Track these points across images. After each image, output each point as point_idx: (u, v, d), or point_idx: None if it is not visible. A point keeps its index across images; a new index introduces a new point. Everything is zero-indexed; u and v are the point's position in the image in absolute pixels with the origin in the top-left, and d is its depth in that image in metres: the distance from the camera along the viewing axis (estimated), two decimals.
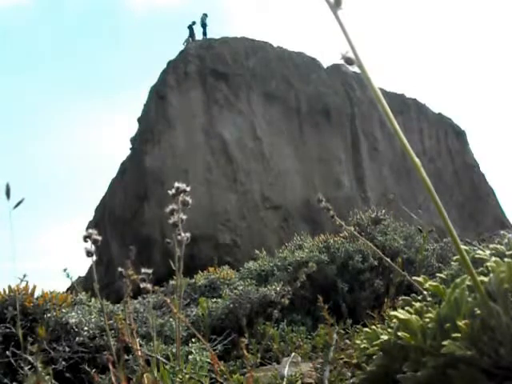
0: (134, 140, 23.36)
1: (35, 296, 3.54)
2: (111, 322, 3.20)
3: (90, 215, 24.50)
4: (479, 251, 1.64)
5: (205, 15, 24.94)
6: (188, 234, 1.78)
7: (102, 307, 3.13)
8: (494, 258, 1.36)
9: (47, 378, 1.77)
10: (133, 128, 24.05)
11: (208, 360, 2.30)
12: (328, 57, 32.55)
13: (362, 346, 1.70)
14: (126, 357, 2.24)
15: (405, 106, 27.40)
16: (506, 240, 1.72)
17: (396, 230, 5.17)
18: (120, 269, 1.74)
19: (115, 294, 11.67)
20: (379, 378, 1.53)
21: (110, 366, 1.65)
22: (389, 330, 1.56)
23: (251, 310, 3.88)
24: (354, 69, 1.02)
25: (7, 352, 2.65)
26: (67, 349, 3.14)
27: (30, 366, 1.95)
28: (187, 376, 1.93)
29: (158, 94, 22.54)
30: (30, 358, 1.88)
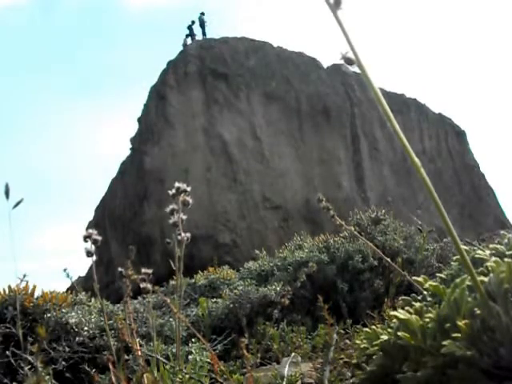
0: (133, 140, 23.37)
1: (35, 296, 3.53)
2: (111, 321, 3.20)
3: (90, 215, 24.55)
4: (479, 251, 1.64)
5: (202, 14, 24.89)
6: (188, 234, 1.78)
7: (102, 307, 3.13)
8: (493, 258, 1.36)
9: (47, 378, 1.77)
10: (133, 128, 24.08)
11: (208, 360, 2.29)
12: (328, 57, 32.54)
13: (362, 346, 1.70)
14: (126, 357, 2.24)
15: (405, 106, 27.40)
16: (505, 240, 1.72)
17: (396, 230, 5.17)
18: (120, 269, 1.74)
19: (115, 294, 11.68)
20: (379, 378, 1.53)
21: (110, 366, 1.65)
22: (389, 329, 1.56)
23: (251, 309, 3.87)
24: (354, 69, 1.02)
25: (7, 352, 2.65)
26: (67, 349, 3.14)
27: (30, 366, 1.95)
28: (187, 376, 1.93)
29: (158, 94, 22.55)
30: (30, 357, 1.88)
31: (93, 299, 4.04)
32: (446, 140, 29.66)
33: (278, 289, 3.99)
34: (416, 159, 1.06)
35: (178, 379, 1.90)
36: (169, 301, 1.76)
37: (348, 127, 24.68)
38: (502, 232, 1.96)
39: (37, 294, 3.56)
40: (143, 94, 30.91)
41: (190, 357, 2.38)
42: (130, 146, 23.65)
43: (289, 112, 23.16)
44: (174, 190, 1.74)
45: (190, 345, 2.73)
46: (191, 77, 22.30)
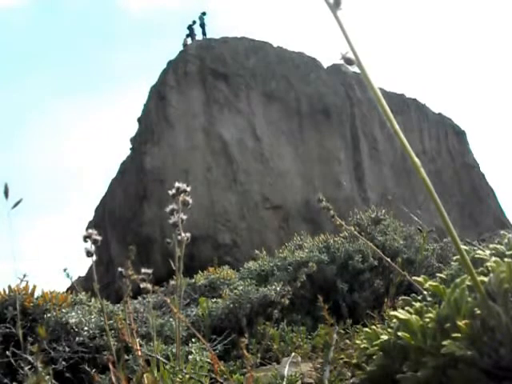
0: (134, 140, 23.36)
1: (35, 296, 3.53)
2: (111, 321, 3.20)
3: (90, 215, 24.54)
4: (479, 251, 1.64)
5: (203, 14, 24.84)
6: (188, 234, 1.78)
7: (102, 307, 3.13)
8: (493, 258, 1.36)
9: (47, 377, 1.77)
10: (133, 128, 24.07)
11: (208, 360, 2.29)
12: (328, 57, 32.50)
13: (362, 346, 1.70)
14: (126, 357, 2.24)
15: (405, 105, 27.40)
16: (505, 240, 1.72)
17: (396, 230, 5.16)
18: (120, 269, 1.74)
19: (115, 294, 11.68)
20: (379, 378, 1.53)
21: (110, 366, 1.65)
22: (389, 329, 1.56)
23: (251, 310, 3.87)
24: (354, 69, 1.02)
25: (7, 352, 2.64)
26: (67, 349, 3.14)
27: (30, 366, 1.95)
28: (187, 376, 1.93)
29: (158, 94, 22.54)
30: (30, 357, 1.88)
31: (93, 299, 4.04)
32: (445, 140, 29.66)
33: (278, 289, 3.99)
34: (416, 159, 1.06)
35: (177, 379, 1.90)
36: (169, 301, 1.76)
37: (348, 127, 24.67)
38: (502, 232, 1.96)
39: (37, 294, 3.57)
40: (143, 94, 30.93)
41: (189, 357, 2.38)
42: (130, 146, 23.65)
43: (289, 112, 23.15)
44: (174, 190, 1.74)
45: (190, 345, 2.73)
46: (191, 77, 22.30)
